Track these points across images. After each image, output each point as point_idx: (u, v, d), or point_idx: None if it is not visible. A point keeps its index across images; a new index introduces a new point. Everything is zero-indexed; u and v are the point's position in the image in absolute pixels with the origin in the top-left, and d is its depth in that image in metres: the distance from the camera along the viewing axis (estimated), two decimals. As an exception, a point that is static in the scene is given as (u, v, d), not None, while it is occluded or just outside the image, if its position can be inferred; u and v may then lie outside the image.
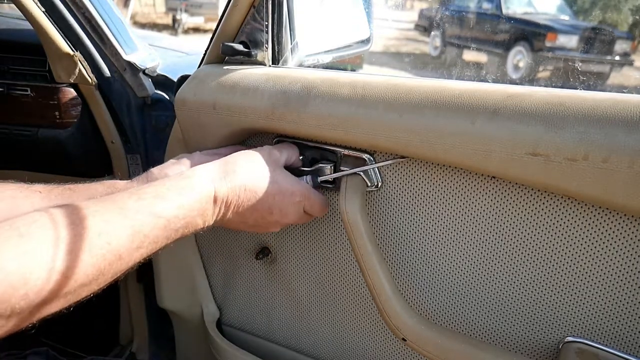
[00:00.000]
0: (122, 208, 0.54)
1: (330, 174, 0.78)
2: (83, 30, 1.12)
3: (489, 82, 0.71)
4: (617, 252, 0.63)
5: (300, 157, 0.81)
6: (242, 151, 0.72)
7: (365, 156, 0.75)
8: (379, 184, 0.76)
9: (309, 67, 0.97)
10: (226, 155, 0.76)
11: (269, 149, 0.74)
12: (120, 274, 0.54)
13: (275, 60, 0.88)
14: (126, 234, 0.53)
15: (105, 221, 0.52)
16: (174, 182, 0.61)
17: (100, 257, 0.50)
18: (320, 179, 0.77)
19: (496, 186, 0.68)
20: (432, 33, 8.23)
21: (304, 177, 0.77)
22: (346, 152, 0.77)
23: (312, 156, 0.81)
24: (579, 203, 0.63)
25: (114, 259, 0.51)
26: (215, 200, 0.64)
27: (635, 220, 0.60)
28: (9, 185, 0.72)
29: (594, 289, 0.65)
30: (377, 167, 0.75)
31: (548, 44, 6.56)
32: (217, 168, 0.67)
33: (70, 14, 1.10)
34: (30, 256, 0.45)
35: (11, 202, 0.70)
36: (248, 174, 0.68)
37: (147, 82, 1.17)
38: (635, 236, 0.61)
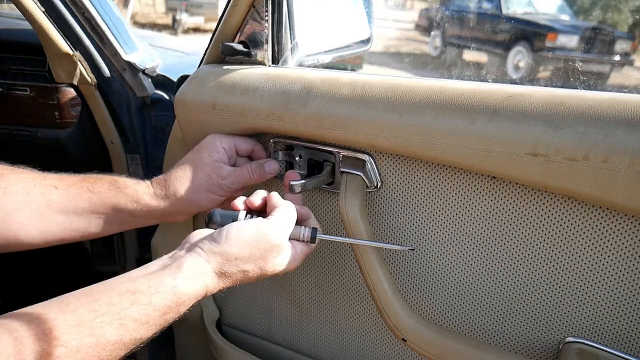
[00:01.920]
0: (94, 311, 0.52)
1: (329, 177, 0.78)
2: (83, 30, 1.12)
3: (489, 82, 0.71)
4: (617, 252, 0.62)
5: (298, 158, 0.81)
6: (243, 242, 0.63)
7: (364, 157, 0.75)
8: (379, 185, 0.76)
9: (308, 67, 0.97)
10: (241, 144, 0.80)
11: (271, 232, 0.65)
12: None
13: (275, 60, 0.88)
14: (89, 345, 0.51)
15: (70, 334, 0.50)
16: (159, 282, 0.57)
17: None
18: (319, 236, 0.69)
19: (496, 186, 0.68)
20: (432, 33, 8.23)
21: (302, 229, 0.68)
22: (345, 153, 0.76)
23: (310, 158, 0.81)
24: (579, 203, 0.63)
25: None
26: (205, 294, 0.62)
27: (635, 220, 0.60)
28: (22, 176, 0.71)
29: (594, 289, 0.65)
30: (377, 168, 0.75)
31: (548, 44, 6.56)
32: (213, 278, 0.62)
33: (70, 14, 1.10)
34: None
35: (25, 198, 0.69)
36: (243, 277, 0.65)
37: (147, 82, 1.17)
38: (636, 236, 0.61)
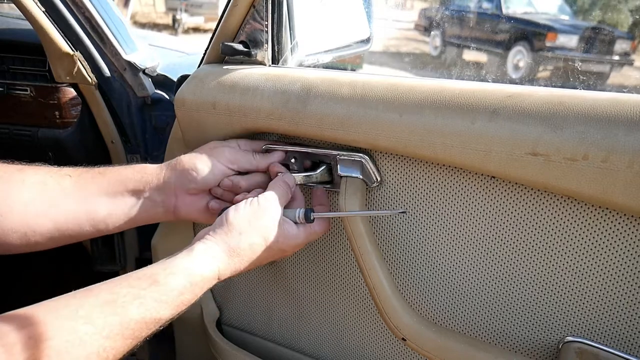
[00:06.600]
0: (116, 294, 0.56)
1: (324, 176, 0.78)
2: (83, 30, 1.12)
3: (488, 82, 0.71)
4: (617, 252, 0.63)
5: (293, 160, 0.81)
6: (250, 217, 0.68)
7: (361, 156, 0.75)
8: (378, 179, 0.75)
9: (308, 67, 0.97)
10: (259, 148, 0.81)
11: (275, 207, 0.70)
12: None
13: (275, 60, 0.88)
14: (113, 323, 0.54)
15: (95, 313, 0.53)
16: (172, 265, 0.61)
17: None
18: (313, 215, 0.72)
19: (496, 186, 0.68)
20: (432, 33, 8.22)
21: (297, 210, 0.73)
22: (342, 155, 0.76)
23: (306, 161, 0.81)
24: (578, 203, 0.63)
25: None
26: (219, 276, 0.66)
27: (635, 220, 0.60)
28: (39, 169, 0.73)
29: (593, 289, 0.65)
30: (375, 165, 0.75)
31: (548, 43, 6.56)
32: (224, 258, 0.66)
33: (70, 14, 1.10)
34: None
35: (42, 188, 0.71)
36: (252, 253, 0.68)
37: (147, 82, 1.17)
38: (635, 236, 0.61)
